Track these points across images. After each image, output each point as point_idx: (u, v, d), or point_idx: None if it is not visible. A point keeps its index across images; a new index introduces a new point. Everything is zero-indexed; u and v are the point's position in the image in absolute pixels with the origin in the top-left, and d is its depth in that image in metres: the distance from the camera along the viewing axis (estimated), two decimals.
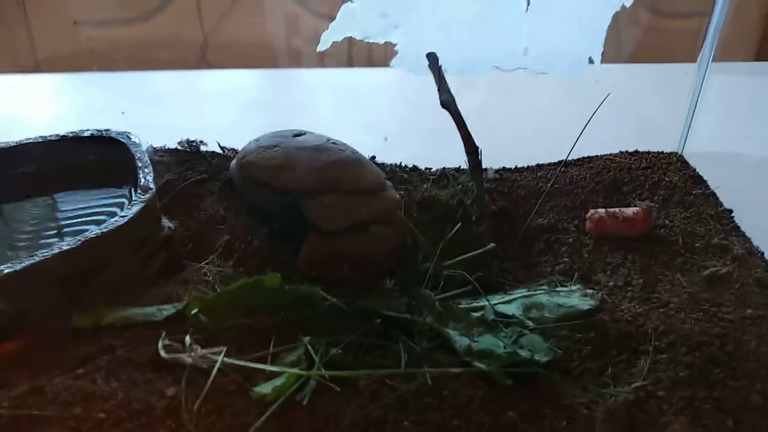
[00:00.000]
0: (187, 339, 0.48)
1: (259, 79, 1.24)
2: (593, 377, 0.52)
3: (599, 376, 0.52)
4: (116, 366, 0.49)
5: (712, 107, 0.81)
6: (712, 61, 0.79)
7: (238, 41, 1.69)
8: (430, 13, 0.68)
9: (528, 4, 0.69)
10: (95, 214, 0.65)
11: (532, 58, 0.72)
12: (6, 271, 0.52)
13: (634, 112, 0.95)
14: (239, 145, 0.80)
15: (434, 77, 0.69)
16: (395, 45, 0.70)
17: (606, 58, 0.72)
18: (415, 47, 0.70)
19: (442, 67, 0.69)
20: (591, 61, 0.71)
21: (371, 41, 0.70)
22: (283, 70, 1.23)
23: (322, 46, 0.69)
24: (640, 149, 0.81)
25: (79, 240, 0.55)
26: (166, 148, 0.77)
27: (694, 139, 0.80)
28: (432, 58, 0.69)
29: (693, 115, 0.81)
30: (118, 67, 1.50)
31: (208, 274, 0.61)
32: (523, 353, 0.52)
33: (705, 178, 0.75)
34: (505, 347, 0.53)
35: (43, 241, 0.62)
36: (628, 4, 0.69)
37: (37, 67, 1.41)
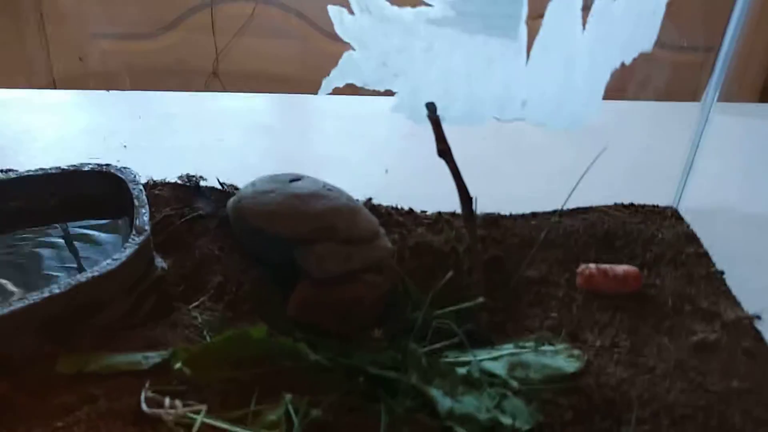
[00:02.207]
0: (167, 401, 0.48)
1: (267, 102, 1.24)
2: None
3: None
4: (96, 418, 0.49)
5: (714, 151, 0.80)
6: (717, 101, 0.78)
7: (249, 60, 1.71)
8: (429, 64, 0.69)
9: (528, 58, 0.69)
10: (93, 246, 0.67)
11: (530, 110, 0.72)
12: None
13: (633, 155, 0.95)
14: (239, 179, 0.81)
15: (432, 127, 0.69)
16: (395, 93, 0.71)
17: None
18: (414, 96, 0.70)
19: (441, 117, 0.69)
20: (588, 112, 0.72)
21: (371, 89, 0.70)
22: (292, 96, 1.24)
23: (323, 91, 0.70)
24: (637, 198, 0.81)
25: (70, 283, 0.56)
26: (166, 181, 0.78)
27: (691, 189, 0.80)
28: (430, 107, 0.69)
29: (691, 167, 0.80)
30: (130, 83, 1.52)
31: (198, 318, 0.62)
32: (505, 419, 0.52)
33: (699, 235, 0.75)
34: (487, 410, 0.54)
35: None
36: (627, 62, 0.69)
37: (52, 84, 1.43)
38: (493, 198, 0.77)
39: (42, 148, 1.00)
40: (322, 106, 1.19)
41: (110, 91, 1.18)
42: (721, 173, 0.89)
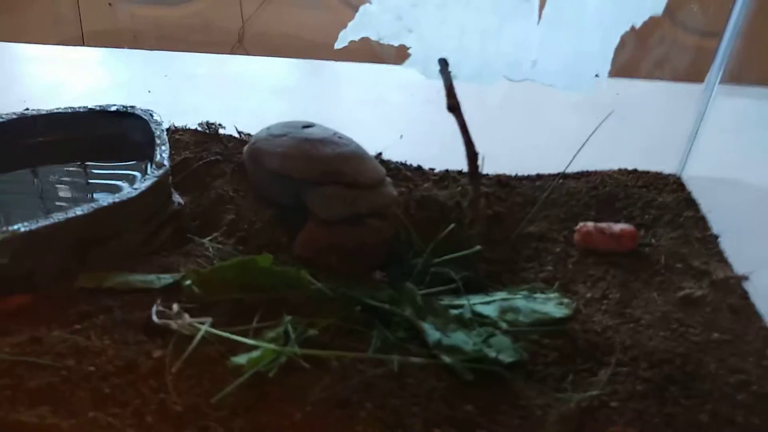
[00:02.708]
0: (175, 306, 0.52)
1: (289, 67, 1.28)
2: (554, 382, 0.55)
3: (560, 381, 0.55)
4: (111, 326, 0.53)
5: (720, 129, 0.82)
6: (721, 83, 0.80)
7: (274, 29, 1.74)
8: (442, 20, 0.71)
9: (539, 18, 0.71)
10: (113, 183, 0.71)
11: (540, 70, 0.74)
12: (22, 230, 0.56)
13: (640, 128, 0.97)
14: (257, 131, 0.84)
15: (443, 82, 0.71)
16: (409, 48, 0.73)
17: (618, 69, 0.74)
18: (427, 51, 0.73)
19: (452, 73, 0.72)
20: (596, 75, 0.73)
21: (385, 42, 0.73)
22: (314, 61, 1.27)
23: (340, 43, 0.73)
24: (641, 167, 0.83)
25: (92, 207, 0.60)
26: (187, 127, 0.82)
27: (695, 161, 0.81)
28: (443, 63, 0.71)
29: (695, 137, 0.82)
30: (158, 43, 1.56)
31: (210, 249, 0.65)
32: (490, 352, 0.55)
33: (699, 201, 0.76)
34: (474, 344, 0.56)
35: (61, 204, 0.67)
36: (638, 25, 0.71)
37: (81, 41, 1.48)
38: (501, 158, 0.80)
39: (72, 100, 1.04)
40: (341, 72, 1.22)
41: (138, 50, 1.23)
42: (726, 147, 0.90)
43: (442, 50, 0.71)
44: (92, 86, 1.09)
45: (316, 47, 1.54)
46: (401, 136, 1.02)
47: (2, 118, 0.71)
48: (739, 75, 0.82)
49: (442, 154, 0.85)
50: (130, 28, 1.65)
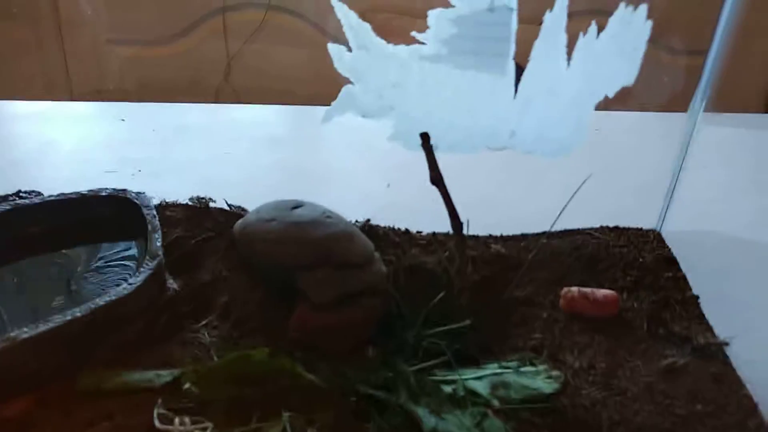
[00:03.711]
0: (176, 420, 0.54)
1: (276, 114, 1.29)
2: None
3: None
4: None
5: (702, 164, 0.83)
6: (706, 111, 0.81)
7: (260, 66, 1.75)
8: (422, 97, 0.73)
9: (516, 91, 0.73)
10: (109, 265, 0.72)
11: (518, 140, 0.76)
12: (23, 336, 0.58)
13: (622, 173, 0.99)
14: (247, 193, 0.86)
15: (426, 155, 0.73)
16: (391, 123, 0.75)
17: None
18: (409, 126, 0.75)
19: (434, 145, 0.74)
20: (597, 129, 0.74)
21: (369, 119, 0.75)
22: (300, 107, 1.29)
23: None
24: (623, 218, 0.85)
25: (90, 307, 0.61)
26: (177, 203, 0.83)
27: (675, 214, 0.84)
28: (424, 137, 0.73)
29: (674, 187, 0.84)
30: (144, 89, 1.57)
31: (206, 336, 0.67)
32: None
33: (679, 257, 0.79)
34: (468, 430, 0.58)
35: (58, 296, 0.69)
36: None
37: (69, 92, 1.49)
38: (485, 219, 0.82)
39: (63, 161, 1.06)
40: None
41: (125, 102, 1.24)
42: (707, 189, 0.93)
43: (423, 125, 0.73)
44: (82, 144, 1.11)
45: (302, 86, 1.56)
46: (388, 185, 1.04)
47: None
48: (724, 102, 0.83)
49: (430, 206, 0.86)
50: (116, 74, 1.66)
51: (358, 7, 0.71)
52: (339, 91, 0.72)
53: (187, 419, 0.55)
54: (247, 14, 1.74)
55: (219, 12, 1.74)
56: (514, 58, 0.72)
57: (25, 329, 0.59)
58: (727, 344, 0.67)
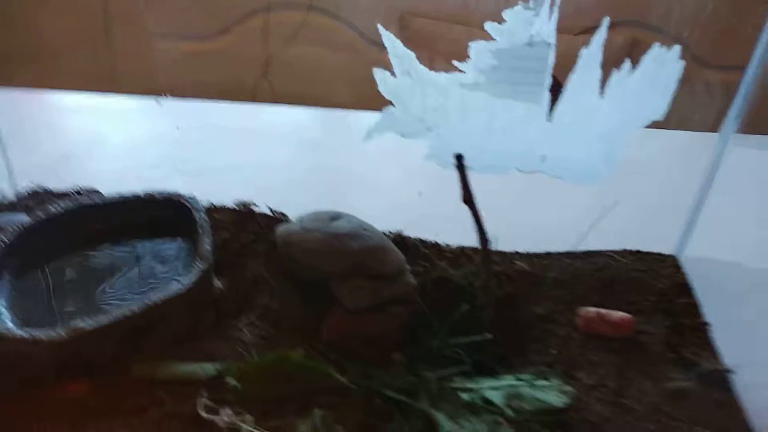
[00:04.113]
0: (221, 412, 0.60)
1: (314, 117, 1.35)
2: None
3: None
4: (163, 420, 0.61)
5: (728, 189, 0.85)
6: (739, 132, 0.82)
7: (298, 69, 1.81)
8: (459, 121, 0.78)
9: (550, 118, 0.77)
10: (161, 262, 0.79)
11: (549, 164, 0.80)
12: (87, 328, 0.64)
13: (648, 192, 1.02)
14: (286, 198, 0.92)
15: (459, 176, 0.78)
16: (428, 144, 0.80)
17: None
18: (445, 148, 0.79)
19: (467, 167, 0.78)
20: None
21: (408, 139, 0.80)
22: (338, 111, 1.34)
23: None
24: (645, 242, 0.89)
25: (145, 303, 0.68)
26: (224, 206, 0.90)
27: (695, 240, 0.87)
28: (458, 158, 0.78)
29: (698, 213, 0.87)
30: (188, 86, 1.64)
31: (247, 334, 0.73)
32: None
33: (694, 284, 0.82)
34: None
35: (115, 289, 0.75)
36: (641, 127, 0.77)
37: (114, 86, 1.55)
38: (512, 236, 0.86)
39: (111, 155, 1.13)
40: (365, 123, 1.29)
41: (168, 97, 1.31)
42: (730, 216, 0.95)
43: (459, 146, 0.78)
44: (126, 140, 1.17)
45: (339, 88, 1.60)
46: (420, 194, 1.09)
47: (62, 207, 0.79)
48: (760, 123, 0.83)
49: (460, 216, 0.90)
50: (161, 69, 1.72)
51: (397, 8, 0.75)
52: (375, 96, 0.77)
53: (229, 411, 0.61)
54: (285, 14, 1.78)
55: (262, 11, 1.79)
56: (553, 74, 0.76)
57: (89, 321, 0.65)
58: (731, 371, 0.71)
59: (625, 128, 0.78)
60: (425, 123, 0.79)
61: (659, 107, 0.76)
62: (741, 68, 0.81)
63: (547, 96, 0.77)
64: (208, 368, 0.67)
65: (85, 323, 0.65)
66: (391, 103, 0.78)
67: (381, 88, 0.77)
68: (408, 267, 0.78)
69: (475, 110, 0.78)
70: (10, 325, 0.67)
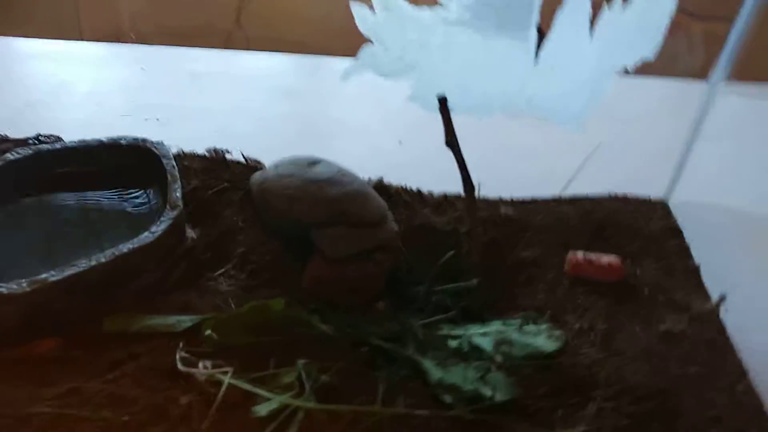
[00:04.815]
0: (200, 364, 0.57)
1: (289, 63, 1.29)
2: (545, 416, 0.60)
3: (551, 415, 0.60)
4: (140, 373, 0.58)
5: (716, 136, 0.83)
6: (728, 79, 0.81)
7: (272, 15, 1.73)
8: (442, 60, 0.74)
9: (536, 57, 0.74)
10: (128, 213, 0.75)
11: (534, 106, 0.77)
12: (50, 279, 0.60)
13: (636, 138, 1.00)
14: (261, 145, 0.88)
15: (442, 119, 0.75)
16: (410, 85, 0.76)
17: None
18: (427, 88, 0.76)
19: (451, 109, 0.75)
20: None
21: (388, 79, 0.76)
22: (314, 57, 1.29)
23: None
24: (632, 187, 0.87)
25: (113, 253, 0.64)
26: (194, 154, 0.85)
27: (683, 185, 0.85)
28: (441, 100, 0.75)
29: (686, 159, 0.86)
30: (152, 34, 1.56)
31: (225, 285, 0.70)
32: (486, 390, 0.61)
33: (684, 228, 0.81)
34: (471, 382, 0.62)
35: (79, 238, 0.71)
36: (629, 67, 0.74)
37: (78, 33, 1.48)
38: (496, 182, 0.84)
39: (77, 103, 1.07)
40: (341, 69, 1.24)
41: (137, 45, 1.24)
42: (719, 162, 0.94)
43: (442, 87, 0.74)
44: (93, 87, 1.11)
45: (316, 34, 1.54)
46: (400, 142, 1.05)
47: (20, 154, 0.74)
48: (749, 71, 0.82)
49: (442, 165, 0.88)
50: (127, 14, 1.64)
51: None
52: (353, 43, 0.73)
53: (208, 363, 0.58)
54: None
55: None
56: (537, 25, 0.72)
57: (53, 272, 0.61)
58: (723, 301, 0.69)
59: (612, 68, 0.74)
60: (406, 61, 0.75)
61: (651, 45, 0.73)
62: (729, 20, 0.80)
63: (534, 34, 0.73)
64: (184, 320, 0.64)
65: (49, 275, 0.61)
66: (370, 41, 0.74)
67: (359, 25, 0.72)
68: (390, 214, 0.75)
69: (459, 48, 0.74)
70: None
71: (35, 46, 1.24)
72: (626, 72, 0.74)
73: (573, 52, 0.73)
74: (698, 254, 0.77)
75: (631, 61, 0.73)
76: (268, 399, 0.56)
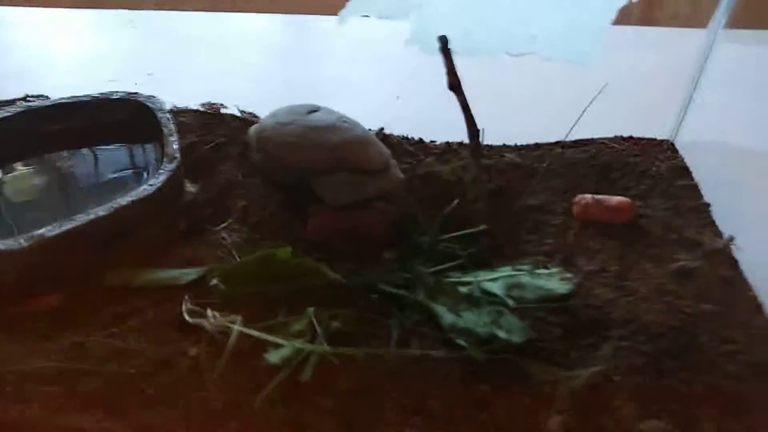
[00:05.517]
0: (209, 312, 0.55)
1: (282, 24, 1.26)
2: (560, 359, 0.59)
3: (566, 357, 0.59)
4: (145, 326, 0.56)
5: (718, 80, 0.82)
6: (727, 27, 0.80)
7: None
8: None
9: None
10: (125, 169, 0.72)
11: (539, 44, 0.75)
12: (48, 235, 0.58)
13: (637, 84, 0.98)
14: (257, 103, 0.85)
15: (444, 61, 0.72)
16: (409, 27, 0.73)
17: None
18: (427, 29, 0.73)
19: (453, 50, 0.73)
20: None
21: (387, 20, 0.73)
22: (307, 16, 1.26)
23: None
24: (637, 128, 0.85)
25: (112, 207, 0.62)
26: (189, 108, 0.82)
27: (689, 125, 0.84)
28: (443, 41, 0.72)
29: (690, 100, 0.84)
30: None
31: (227, 238, 0.68)
32: (501, 333, 0.59)
33: (692, 167, 0.79)
34: (484, 325, 0.60)
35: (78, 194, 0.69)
36: None
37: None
38: (501, 128, 0.81)
39: (66, 71, 1.04)
40: (338, 28, 1.21)
41: (121, 10, 1.21)
42: (722, 104, 0.92)
43: (442, 27, 0.72)
44: (85, 53, 1.08)
45: None
46: (398, 98, 1.03)
47: (9, 112, 0.72)
48: (747, 18, 0.81)
49: (442, 117, 0.86)
50: None
51: None
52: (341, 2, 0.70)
53: (216, 313, 0.56)
54: None
55: None
56: None
57: (50, 227, 0.59)
58: (733, 238, 0.68)
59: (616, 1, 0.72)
60: (404, 1, 0.72)
61: None
62: None
63: None
64: (189, 273, 0.62)
65: (48, 231, 0.59)
66: None
67: None
68: (394, 162, 0.73)
69: None
70: None
71: (15, 14, 1.20)
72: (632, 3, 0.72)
73: None
74: (707, 192, 0.76)
75: None
76: (279, 347, 0.55)
